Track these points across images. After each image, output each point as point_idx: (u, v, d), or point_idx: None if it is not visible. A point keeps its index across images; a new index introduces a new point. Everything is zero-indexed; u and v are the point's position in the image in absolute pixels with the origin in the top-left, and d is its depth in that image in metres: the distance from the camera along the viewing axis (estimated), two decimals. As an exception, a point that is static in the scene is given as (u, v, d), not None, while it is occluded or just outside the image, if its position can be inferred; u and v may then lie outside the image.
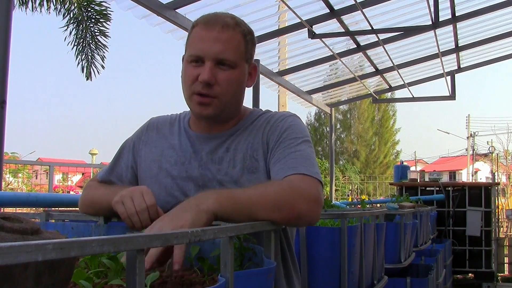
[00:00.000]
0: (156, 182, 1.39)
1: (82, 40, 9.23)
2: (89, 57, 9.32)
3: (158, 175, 1.39)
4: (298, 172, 1.23)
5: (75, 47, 9.25)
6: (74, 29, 9.22)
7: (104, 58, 9.47)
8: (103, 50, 9.41)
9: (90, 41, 9.26)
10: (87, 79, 9.38)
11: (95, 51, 9.34)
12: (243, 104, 1.45)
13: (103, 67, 9.53)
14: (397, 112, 32.13)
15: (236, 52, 1.32)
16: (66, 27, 9.21)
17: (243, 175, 1.32)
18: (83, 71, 9.38)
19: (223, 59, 1.30)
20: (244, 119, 1.41)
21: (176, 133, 1.44)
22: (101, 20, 9.25)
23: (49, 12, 9.17)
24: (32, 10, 9.16)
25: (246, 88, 1.41)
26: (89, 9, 9.15)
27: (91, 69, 9.37)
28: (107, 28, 9.34)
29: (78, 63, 9.33)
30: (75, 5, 9.07)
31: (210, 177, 1.33)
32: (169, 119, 1.49)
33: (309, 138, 1.36)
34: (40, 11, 9.23)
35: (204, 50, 1.29)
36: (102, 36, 9.36)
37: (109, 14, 9.17)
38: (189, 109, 1.46)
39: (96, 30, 9.29)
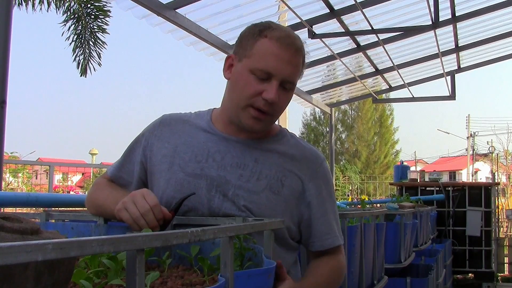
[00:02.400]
0: (165, 177, 1.38)
1: (80, 36, 9.21)
2: (87, 53, 9.30)
3: (168, 170, 1.38)
4: (341, 244, 1.45)
5: (73, 42, 9.24)
6: (73, 24, 9.21)
7: (101, 55, 9.50)
8: (102, 47, 9.42)
9: (89, 37, 9.25)
10: (81, 75, 9.38)
11: (93, 48, 9.32)
12: None
13: (99, 64, 9.54)
14: (394, 111, 32.20)
15: (298, 76, 1.37)
16: (64, 24, 9.23)
17: (265, 191, 1.34)
18: (78, 67, 9.35)
19: (289, 82, 1.33)
20: (274, 135, 1.45)
21: (193, 131, 1.43)
22: (100, 16, 9.24)
23: (49, 9, 9.19)
24: (33, 8, 9.16)
25: None
26: (88, 5, 9.14)
27: (88, 66, 9.36)
28: (107, 24, 9.36)
29: (75, 58, 9.32)
30: (75, 0, 9.07)
31: (228, 179, 1.34)
32: (182, 117, 1.48)
33: None
34: (40, 9, 9.26)
35: (277, 69, 1.30)
36: (101, 33, 9.37)
37: (109, 10, 9.19)
38: (203, 110, 1.50)
39: (95, 26, 9.29)
